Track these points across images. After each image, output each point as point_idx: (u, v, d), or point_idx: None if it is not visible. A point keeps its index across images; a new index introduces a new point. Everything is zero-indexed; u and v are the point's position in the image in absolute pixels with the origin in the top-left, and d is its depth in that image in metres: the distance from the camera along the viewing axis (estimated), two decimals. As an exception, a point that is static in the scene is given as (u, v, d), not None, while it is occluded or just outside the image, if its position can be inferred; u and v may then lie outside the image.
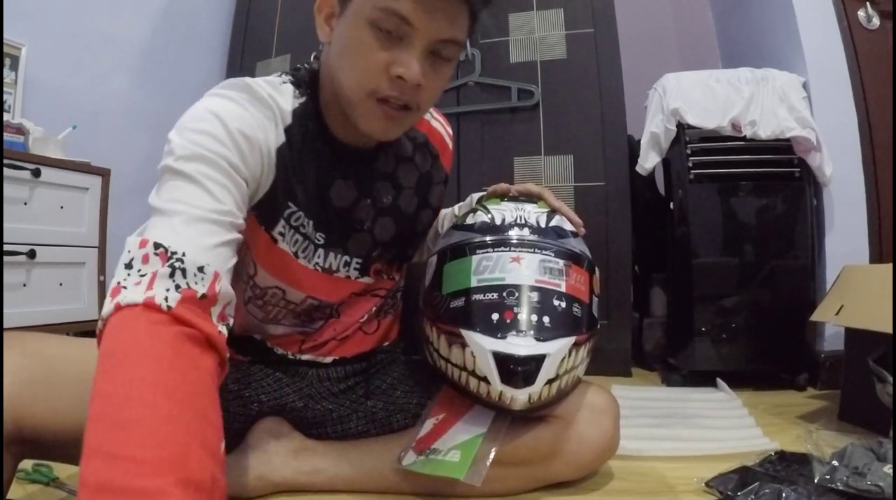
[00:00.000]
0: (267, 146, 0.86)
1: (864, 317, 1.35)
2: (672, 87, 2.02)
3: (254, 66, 2.78)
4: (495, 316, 0.91)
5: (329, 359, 1.08)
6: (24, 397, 0.74)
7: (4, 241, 1.63)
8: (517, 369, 0.87)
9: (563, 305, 0.93)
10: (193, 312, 0.66)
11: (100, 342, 0.65)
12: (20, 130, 1.81)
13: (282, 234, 0.93)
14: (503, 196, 1.14)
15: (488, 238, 0.99)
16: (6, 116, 1.90)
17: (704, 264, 1.96)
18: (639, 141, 2.13)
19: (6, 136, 1.74)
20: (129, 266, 0.68)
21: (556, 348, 0.89)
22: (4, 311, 1.62)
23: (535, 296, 0.92)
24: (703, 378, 1.89)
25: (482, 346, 0.89)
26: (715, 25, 3.07)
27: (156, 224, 0.72)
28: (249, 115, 0.83)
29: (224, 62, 2.95)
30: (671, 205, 2.10)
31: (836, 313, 1.40)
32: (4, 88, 2.02)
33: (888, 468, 0.93)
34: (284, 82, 0.93)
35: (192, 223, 0.72)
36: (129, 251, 0.70)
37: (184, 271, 0.67)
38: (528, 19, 2.39)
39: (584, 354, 0.98)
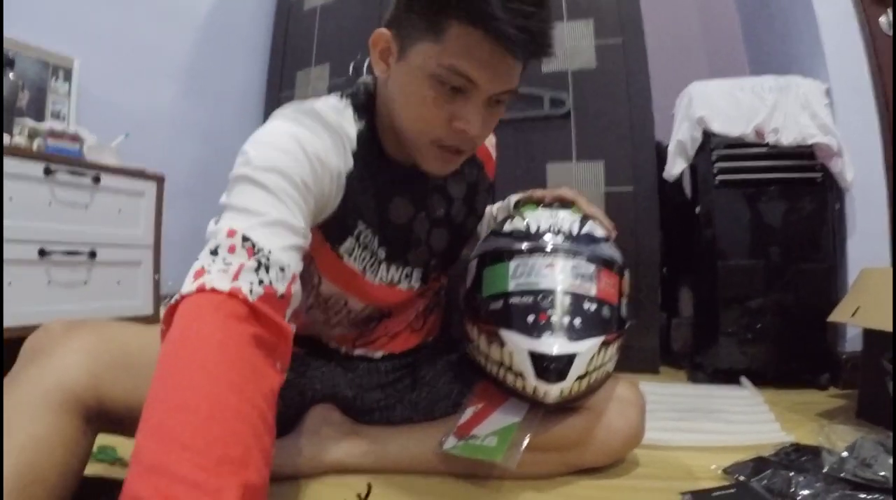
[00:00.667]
0: (338, 171, 0.89)
1: (879, 318, 1.39)
2: (698, 95, 2.06)
3: (294, 75, 2.87)
4: (531, 318, 0.98)
5: (379, 354, 1.16)
6: (105, 377, 0.80)
7: (68, 242, 1.73)
8: (550, 367, 0.95)
9: (594, 307, 1.00)
10: (272, 308, 0.70)
11: (170, 316, 0.69)
12: (75, 138, 1.87)
13: (349, 251, 0.98)
14: (538, 202, 1.19)
15: (524, 245, 1.05)
16: (62, 125, 1.99)
17: (730, 267, 2.00)
18: (667, 147, 2.16)
19: (64, 144, 1.81)
20: (214, 253, 0.71)
21: (586, 347, 0.97)
22: (69, 307, 1.74)
23: (567, 300, 0.99)
24: (727, 376, 1.94)
25: (519, 345, 0.97)
26: (742, 32, 3.07)
27: (237, 219, 0.74)
28: (321, 142, 0.86)
29: (265, 71, 3.04)
30: (697, 209, 2.14)
31: (853, 315, 1.46)
32: (59, 98, 2.14)
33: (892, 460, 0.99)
34: (346, 107, 0.95)
35: (272, 226, 0.74)
36: (215, 238, 0.73)
37: (268, 268, 0.71)
38: (558, 30, 2.42)
39: (613, 351, 1.04)
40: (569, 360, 0.95)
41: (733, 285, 1.99)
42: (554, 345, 0.95)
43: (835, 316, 1.56)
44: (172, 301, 0.70)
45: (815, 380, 1.90)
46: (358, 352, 1.16)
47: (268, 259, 0.72)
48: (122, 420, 0.83)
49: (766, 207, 1.99)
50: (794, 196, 1.97)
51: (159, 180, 2.04)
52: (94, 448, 1.06)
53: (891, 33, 2.08)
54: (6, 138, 1.70)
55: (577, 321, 0.98)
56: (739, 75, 2.35)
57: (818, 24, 2.12)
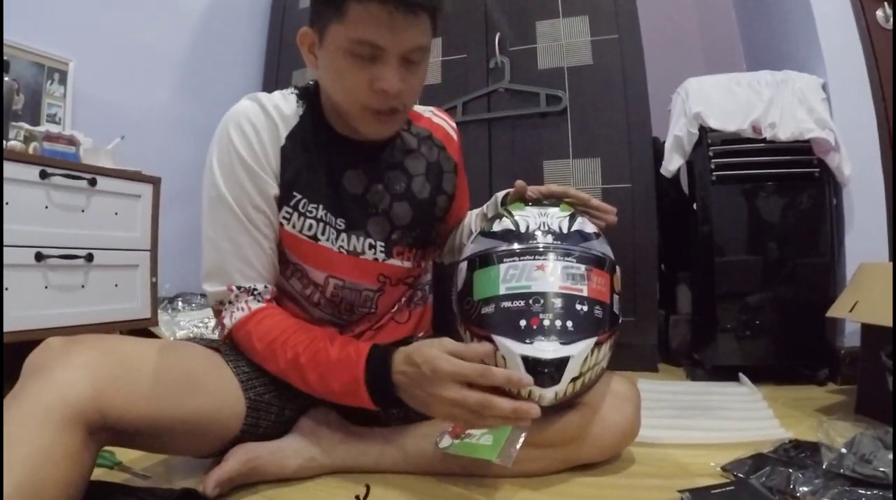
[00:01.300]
0: (274, 150, 1.07)
1: (877, 313, 1.39)
2: (694, 91, 2.06)
3: (289, 75, 2.87)
4: (523, 322, 0.97)
5: None
6: (106, 391, 0.81)
7: (65, 245, 1.73)
8: (544, 371, 0.95)
9: (585, 308, 0.99)
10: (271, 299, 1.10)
11: (230, 338, 1.08)
12: (72, 141, 1.87)
13: (286, 218, 1.10)
14: (526, 199, 1.19)
15: (514, 246, 1.05)
16: (57, 128, 1.99)
17: (727, 263, 2.00)
18: (664, 143, 2.17)
19: (60, 147, 1.81)
20: (225, 304, 1.08)
21: (579, 349, 0.96)
22: (66, 311, 1.73)
23: (558, 302, 0.98)
24: (726, 373, 1.93)
25: (511, 350, 0.96)
26: (738, 28, 3.07)
27: (224, 267, 1.07)
28: (244, 140, 1.05)
29: (261, 72, 3.04)
30: (695, 205, 2.14)
31: (851, 310, 1.46)
32: (55, 102, 2.14)
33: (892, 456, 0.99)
34: (291, 94, 1.13)
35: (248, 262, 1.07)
36: (221, 298, 1.08)
37: (259, 295, 1.08)
38: (554, 26, 2.44)
39: (607, 350, 1.03)
40: (562, 363, 0.95)
41: (731, 281, 1.99)
42: (547, 350, 0.95)
43: (833, 312, 1.56)
44: (222, 335, 1.11)
45: (814, 376, 1.90)
46: None
47: (258, 290, 1.09)
48: (124, 433, 0.86)
49: (763, 203, 1.99)
50: (791, 191, 1.97)
51: (156, 183, 2.03)
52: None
53: (888, 27, 2.08)
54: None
55: (570, 324, 0.97)
56: (736, 70, 2.35)
57: (814, 19, 2.11)
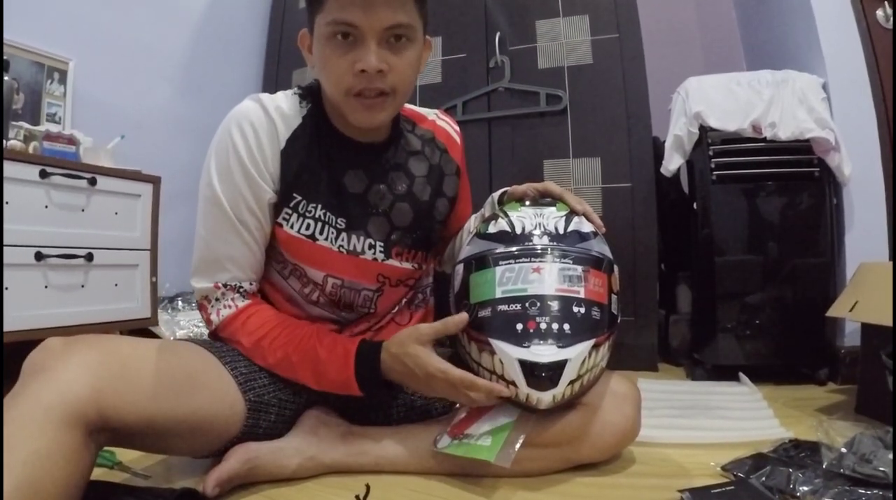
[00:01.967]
0: (273, 154, 1.07)
1: (877, 313, 1.39)
2: (694, 90, 2.06)
3: (289, 74, 2.88)
4: (519, 326, 0.97)
5: None
6: (106, 391, 0.82)
7: (64, 245, 1.72)
8: (541, 375, 0.95)
9: (583, 310, 0.99)
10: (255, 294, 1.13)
11: (217, 335, 1.12)
12: (72, 140, 1.87)
13: (285, 219, 1.10)
14: (523, 199, 1.18)
15: (510, 249, 1.04)
16: (57, 128, 1.99)
17: (727, 263, 2.00)
18: (664, 142, 2.17)
19: (60, 146, 1.81)
20: (210, 301, 1.10)
21: (577, 352, 0.96)
22: (66, 310, 1.73)
23: (555, 305, 0.98)
24: (726, 373, 1.93)
25: (509, 354, 0.96)
26: (738, 27, 3.07)
27: (212, 265, 1.09)
28: (244, 142, 1.05)
29: (261, 71, 3.05)
30: (695, 205, 2.14)
31: (851, 309, 1.46)
32: (55, 101, 2.14)
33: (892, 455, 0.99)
34: (294, 95, 1.13)
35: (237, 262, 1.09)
36: (207, 294, 1.10)
37: (245, 292, 1.11)
38: (554, 26, 2.44)
39: (605, 351, 1.03)
40: (559, 366, 0.95)
41: (731, 280, 1.99)
42: (544, 353, 0.95)
43: (833, 311, 1.56)
44: (211, 329, 1.13)
45: (814, 375, 1.91)
46: None
47: (242, 287, 1.11)
48: (124, 433, 0.86)
49: (763, 202, 1.99)
50: (791, 191, 1.97)
51: (156, 182, 2.03)
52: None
53: (889, 26, 2.08)
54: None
55: (567, 326, 0.97)
56: (736, 70, 2.36)
57: (814, 19, 2.11)
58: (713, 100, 2.02)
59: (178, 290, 2.45)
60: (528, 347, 0.96)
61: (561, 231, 1.06)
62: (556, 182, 1.21)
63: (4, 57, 1.87)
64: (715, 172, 2.01)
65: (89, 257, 1.79)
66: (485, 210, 1.28)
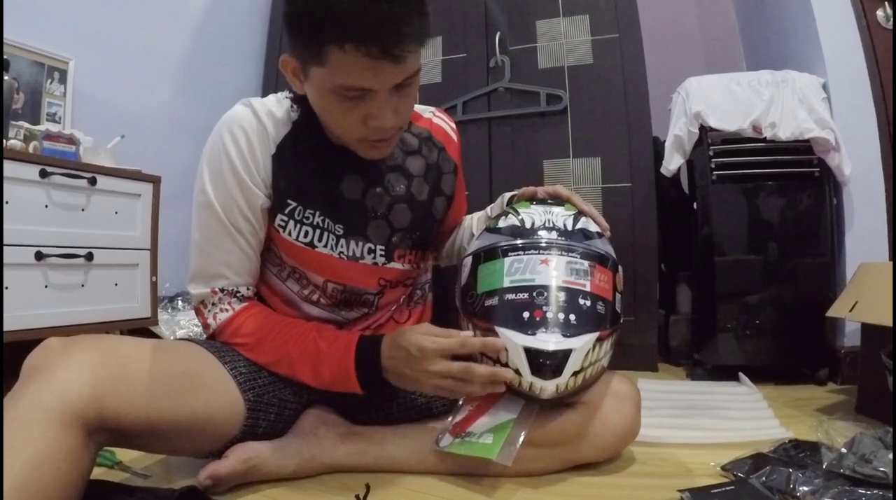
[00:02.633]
0: (265, 159, 1.05)
1: (877, 313, 1.39)
2: (694, 90, 2.06)
3: (289, 74, 2.86)
4: (526, 314, 0.98)
5: None
6: (106, 391, 0.82)
7: (65, 245, 1.72)
8: (546, 363, 0.95)
9: (588, 303, 1.00)
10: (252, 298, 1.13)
11: (216, 337, 1.11)
12: (72, 140, 1.86)
13: (282, 226, 1.09)
14: (532, 199, 1.20)
15: (519, 241, 1.06)
16: (57, 127, 1.99)
17: (727, 263, 2.00)
18: (664, 142, 2.17)
19: (60, 146, 1.81)
20: (207, 305, 1.10)
21: (581, 343, 0.96)
22: (66, 310, 1.73)
23: (562, 296, 0.99)
24: (726, 373, 1.94)
25: (514, 341, 0.96)
26: (738, 27, 3.07)
27: (209, 271, 1.09)
28: (236, 148, 1.04)
29: (261, 70, 3.05)
30: (695, 205, 2.14)
31: (851, 310, 1.46)
32: (55, 101, 2.14)
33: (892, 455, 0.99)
34: (285, 99, 1.09)
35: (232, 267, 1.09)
36: (203, 299, 1.10)
37: (242, 296, 1.11)
38: (554, 26, 2.44)
39: (608, 347, 1.04)
40: (564, 356, 0.95)
41: (731, 280, 1.99)
42: (549, 341, 0.95)
43: (833, 311, 1.56)
44: (209, 332, 1.12)
45: (814, 375, 1.91)
46: None
47: (240, 291, 1.11)
48: (123, 433, 0.86)
49: (763, 202, 1.99)
50: (791, 191, 1.97)
51: (156, 182, 2.03)
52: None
53: (889, 26, 2.08)
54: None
55: (572, 317, 0.97)
56: (736, 70, 2.36)
57: (814, 18, 2.11)
58: (713, 100, 2.02)
59: (178, 290, 2.45)
60: (533, 334, 0.96)
61: (569, 228, 1.08)
62: (557, 182, 1.22)
63: (4, 57, 1.87)
64: (715, 172, 2.01)
65: (89, 257, 1.79)
66: (492, 211, 1.29)
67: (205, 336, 1.15)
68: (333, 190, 1.11)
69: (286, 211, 1.09)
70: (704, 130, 2.04)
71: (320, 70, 0.88)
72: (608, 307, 1.03)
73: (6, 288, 1.56)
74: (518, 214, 1.12)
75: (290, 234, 1.09)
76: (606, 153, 2.32)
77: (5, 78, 1.79)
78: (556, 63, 2.42)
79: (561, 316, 0.97)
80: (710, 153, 2.02)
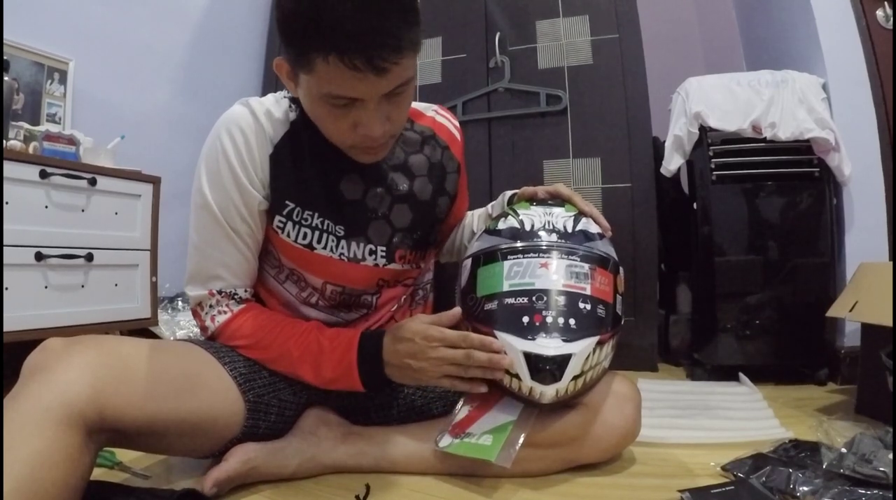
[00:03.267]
0: (263, 160, 1.05)
1: (877, 313, 1.39)
2: (694, 90, 2.06)
3: (289, 74, 2.86)
4: (525, 319, 0.97)
5: None
6: (106, 391, 0.82)
7: (65, 245, 1.72)
8: (545, 368, 0.95)
9: (588, 307, 0.99)
10: (250, 300, 1.12)
11: (214, 339, 1.10)
12: (72, 140, 1.86)
13: (280, 227, 1.09)
14: (532, 199, 1.19)
15: (519, 244, 1.05)
16: (57, 128, 1.99)
17: (727, 263, 2.00)
18: (664, 142, 2.17)
19: (60, 146, 1.81)
20: (204, 307, 1.10)
21: (581, 347, 0.96)
22: (66, 310, 1.73)
23: (562, 300, 0.98)
24: (726, 373, 1.94)
25: (514, 346, 0.96)
26: (738, 27, 3.06)
27: (206, 272, 1.08)
28: (234, 148, 1.03)
29: (261, 70, 3.05)
30: (695, 205, 2.14)
31: (851, 310, 1.46)
32: (55, 101, 2.14)
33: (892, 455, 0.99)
34: (284, 99, 1.09)
35: (230, 268, 1.09)
36: (201, 301, 1.10)
37: (240, 298, 1.11)
38: (554, 26, 2.44)
39: (609, 349, 1.03)
40: (564, 360, 0.95)
41: (731, 280, 1.99)
42: (549, 346, 0.95)
43: (833, 311, 1.56)
44: (207, 334, 1.11)
45: (814, 375, 1.90)
46: None
47: (237, 293, 1.11)
48: (124, 434, 0.86)
49: (763, 203, 1.99)
50: (791, 191, 1.97)
51: (156, 182, 2.03)
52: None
53: (889, 27, 2.08)
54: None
55: (572, 321, 0.97)
56: (736, 70, 2.35)
57: (814, 19, 2.11)
58: (713, 100, 2.02)
59: (178, 290, 2.45)
60: (532, 339, 0.96)
61: (569, 230, 1.08)
62: (557, 182, 1.21)
63: (4, 57, 1.87)
64: (715, 172, 2.01)
65: (89, 257, 1.79)
66: (493, 209, 1.29)
67: (203, 338, 1.15)
68: (333, 191, 1.10)
69: (284, 212, 1.08)
70: (704, 130, 2.04)
71: (308, 78, 0.88)
72: (608, 310, 1.02)
73: (6, 288, 1.56)
74: (518, 215, 1.11)
75: (288, 235, 1.09)
76: (606, 154, 2.32)
77: (5, 78, 1.79)
78: (555, 63, 2.42)
79: (561, 320, 0.97)
80: (710, 153, 2.02)
